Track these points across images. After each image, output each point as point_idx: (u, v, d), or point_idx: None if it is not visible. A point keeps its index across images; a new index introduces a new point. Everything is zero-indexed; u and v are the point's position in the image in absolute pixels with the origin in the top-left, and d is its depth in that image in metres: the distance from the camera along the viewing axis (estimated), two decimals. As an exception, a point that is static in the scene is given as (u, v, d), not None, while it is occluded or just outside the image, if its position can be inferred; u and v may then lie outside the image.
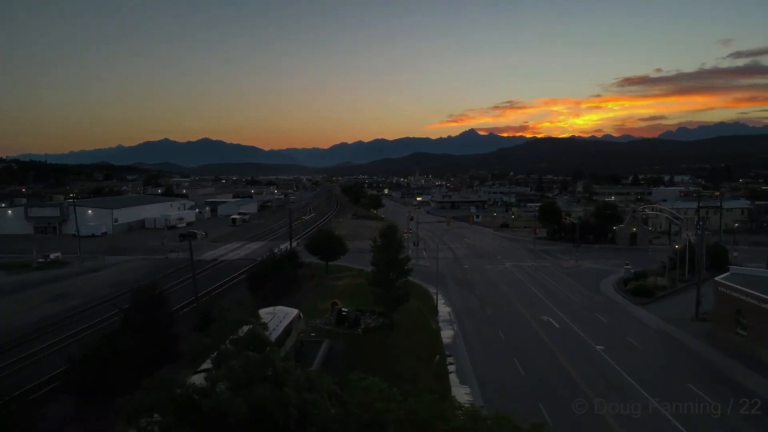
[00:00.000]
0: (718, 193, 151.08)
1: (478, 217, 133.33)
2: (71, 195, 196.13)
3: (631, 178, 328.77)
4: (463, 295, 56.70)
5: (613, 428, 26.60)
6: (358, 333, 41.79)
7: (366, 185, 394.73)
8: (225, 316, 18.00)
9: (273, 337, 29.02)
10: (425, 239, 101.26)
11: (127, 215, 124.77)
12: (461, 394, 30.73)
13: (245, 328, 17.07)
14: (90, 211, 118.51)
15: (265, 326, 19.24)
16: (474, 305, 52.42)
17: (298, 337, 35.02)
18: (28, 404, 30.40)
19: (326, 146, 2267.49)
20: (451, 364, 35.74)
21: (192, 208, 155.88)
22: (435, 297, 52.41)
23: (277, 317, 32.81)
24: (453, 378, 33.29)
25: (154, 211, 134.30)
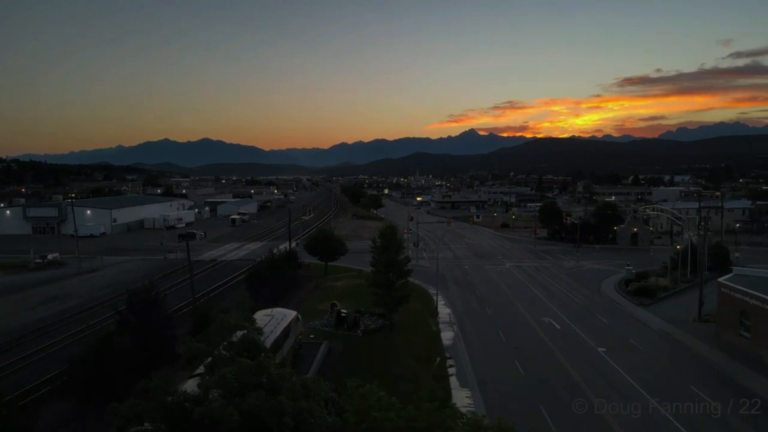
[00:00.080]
0: (718, 194, 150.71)
1: (478, 217, 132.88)
2: (70, 195, 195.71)
3: (631, 178, 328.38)
4: (463, 296, 56.25)
5: (614, 430, 26.18)
6: (358, 335, 41.38)
7: (366, 185, 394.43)
8: (219, 320, 17.53)
9: (271, 339, 28.63)
10: (425, 239, 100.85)
11: (126, 215, 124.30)
12: (462, 397, 30.30)
13: (240, 333, 16.61)
14: (89, 212, 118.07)
15: (260, 331, 18.74)
16: (474, 306, 51.97)
17: (296, 339, 34.58)
18: (25, 406, 30.07)
19: (326, 146, 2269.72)
20: (451, 366, 35.28)
21: (191, 208, 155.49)
22: (435, 298, 51.96)
23: (275, 319, 32.37)
24: (453, 381, 32.83)
25: (153, 212, 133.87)
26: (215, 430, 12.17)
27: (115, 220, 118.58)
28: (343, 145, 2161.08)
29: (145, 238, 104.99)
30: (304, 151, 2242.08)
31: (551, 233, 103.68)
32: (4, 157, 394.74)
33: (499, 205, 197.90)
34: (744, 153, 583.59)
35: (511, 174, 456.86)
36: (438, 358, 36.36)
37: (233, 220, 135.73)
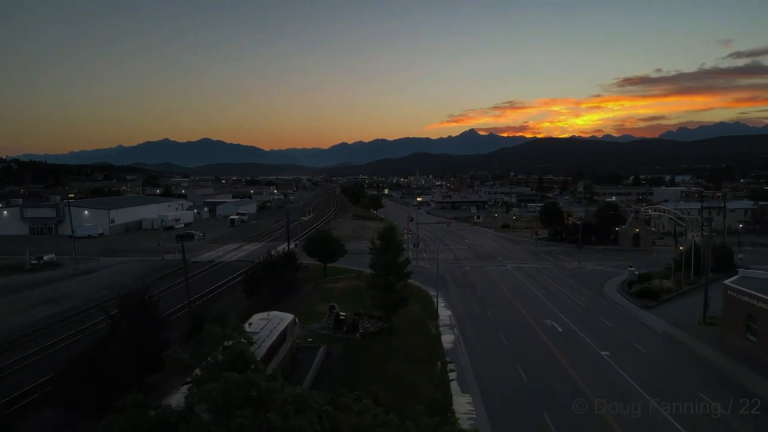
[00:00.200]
0: (719, 194, 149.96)
1: (479, 217, 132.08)
2: (69, 195, 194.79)
3: (632, 178, 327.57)
4: (464, 298, 55.45)
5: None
6: (356, 338, 40.64)
7: (366, 185, 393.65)
8: (207, 329, 16.70)
9: (267, 344, 27.85)
10: (425, 240, 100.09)
11: (124, 216, 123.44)
12: (463, 403, 29.55)
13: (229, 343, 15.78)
14: (86, 212, 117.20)
15: (251, 341, 17.88)
16: (475, 309, 51.18)
17: (293, 344, 33.81)
18: (12, 414, 29.29)
19: (326, 146, 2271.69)
20: (452, 371, 34.49)
21: (190, 208, 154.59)
22: (435, 300, 51.18)
23: (272, 323, 31.61)
24: (454, 386, 32.06)
25: (151, 212, 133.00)
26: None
27: (113, 221, 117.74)
28: (343, 145, 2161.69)
29: (143, 239, 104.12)
30: (304, 151, 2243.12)
31: (552, 234, 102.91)
32: (4, 157, 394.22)
33: (499, 205, 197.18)
34: (744, 153, 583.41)
35: (512, 174, 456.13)
36: (438, 363, 35.60)
37: (232, 220, 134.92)
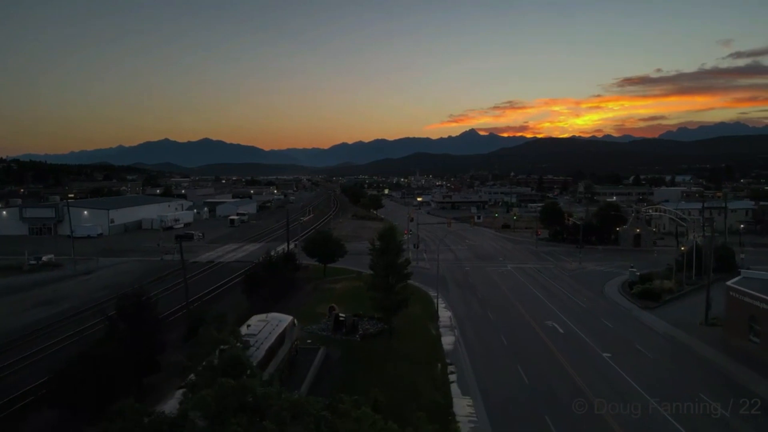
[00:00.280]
0: (720, 194, 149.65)
1: (479, 217, 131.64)
2: (69, 195, 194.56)
3: (632, 178, 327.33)
4: (464, 299, 55.16)
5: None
6: (356, 339, 40.36)
7: (366, 185, 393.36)
8: (202, 333, 16.39)
9: (265, 346, 27.57)
10: (426, 240, 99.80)
11: (123, 216, 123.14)
12: (463, 405, 29.27)
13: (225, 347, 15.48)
14: (86, 212, 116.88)
15: (247, 345, 17.58)
16: (476, 309, 50.88)
17: (292, 345, 33.52)
18: (13, 414, 29.04)
19: (326, 146, 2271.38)
20: (452, 372, 34.21)
21: (190, 208, 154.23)
22: (435, 301, 50.89)
23: (270, 324, 31.34)
24: (455, 388, 31.77)
25: (151, 212, 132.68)
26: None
27: (112, 221, 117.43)
28: (343, 145, 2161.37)
29: (143, 239, 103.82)
30: (304, 151, 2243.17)
31: (553, 234, 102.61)
32: (4, 157, 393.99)
33: (500, 205, 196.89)
34: (744, 153, 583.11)
35: (512, 174, 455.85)
36: (439, 364, 35.31)
37: (232, 220, 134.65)
